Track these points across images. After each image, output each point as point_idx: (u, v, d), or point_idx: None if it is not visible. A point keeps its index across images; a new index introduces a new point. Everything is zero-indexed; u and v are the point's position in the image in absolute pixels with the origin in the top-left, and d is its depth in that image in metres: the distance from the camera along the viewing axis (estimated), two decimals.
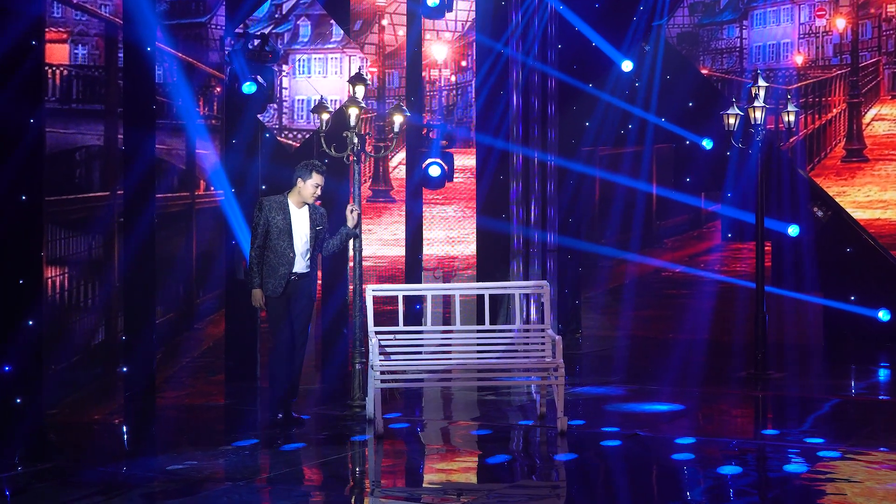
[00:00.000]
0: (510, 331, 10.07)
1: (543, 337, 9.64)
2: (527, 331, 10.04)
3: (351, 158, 9.99)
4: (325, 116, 10.03)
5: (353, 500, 7.63)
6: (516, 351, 9.68)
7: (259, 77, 11.78)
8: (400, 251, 15.52)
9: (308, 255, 9.49)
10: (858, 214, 15.16)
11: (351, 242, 10.03)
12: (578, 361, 12.89)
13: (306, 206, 9.51)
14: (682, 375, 11.90)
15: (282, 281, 9.38)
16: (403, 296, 9.80)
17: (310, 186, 9.44)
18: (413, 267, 13.52)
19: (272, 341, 9.48)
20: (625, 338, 14.71)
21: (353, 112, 9.92)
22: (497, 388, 10.90)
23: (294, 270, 9.41)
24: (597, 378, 11.84)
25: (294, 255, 9.38)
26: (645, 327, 15.50)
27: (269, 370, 9.45)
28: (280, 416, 9.44)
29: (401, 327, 9.65)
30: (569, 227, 14.23)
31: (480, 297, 10.07)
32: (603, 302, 17.33)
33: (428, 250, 16.30)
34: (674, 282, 18.94)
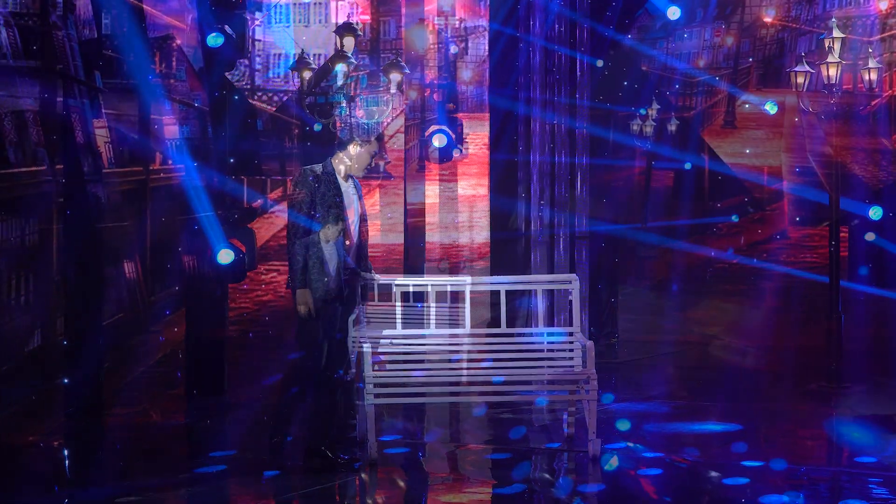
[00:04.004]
0: (531, 335, 10.09)
1: (571, 342, 9.67)
2: (551, 335, 10.05)
3: (338, 125, 10.01)
4: (307, 75, 10.06)
5: None
6: (539, 359, 9.70)
7: (227, 27, 11.79)
8: (398, 238, 15.56)
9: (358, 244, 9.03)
10: None
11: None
12: (614, 372, 12.91)
13: (350, 178, 8.98)
14: (739, 389, 11.92)
15: (336, 279, 8.82)
16: (401, 292, 9.81)
17: (366, 154, 8.89)
18: (413, 257, 13.55)
19: (304, 362, 8.90)
20: (670, 343, 14.72)
21: (340, 69, 9.93)
22: (515, 404, 10.93)
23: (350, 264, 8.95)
24: (636, 392, 11.86)
25: (351, 241, 8.91)
26: (694, 330, 15.51)
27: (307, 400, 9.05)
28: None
29: (398, 331, 9.66)
30: (603, 209, 14.23)
31: (495, 294, 10.08)
32: (644, 300, 17.33)
33: (431, 237, 16.34)
34: (729, 275, 18.95)
